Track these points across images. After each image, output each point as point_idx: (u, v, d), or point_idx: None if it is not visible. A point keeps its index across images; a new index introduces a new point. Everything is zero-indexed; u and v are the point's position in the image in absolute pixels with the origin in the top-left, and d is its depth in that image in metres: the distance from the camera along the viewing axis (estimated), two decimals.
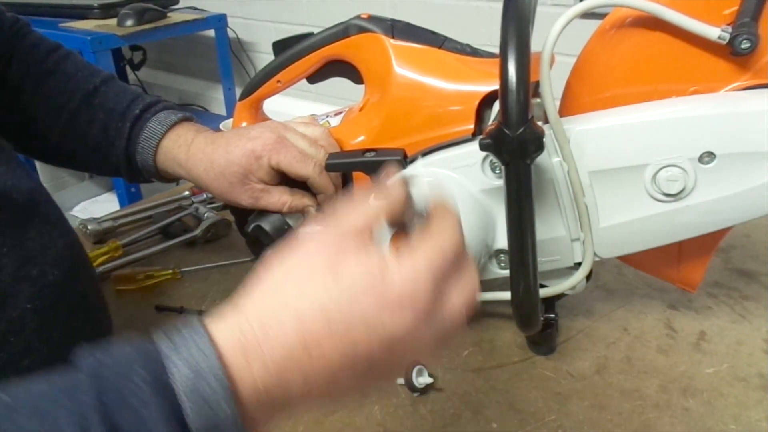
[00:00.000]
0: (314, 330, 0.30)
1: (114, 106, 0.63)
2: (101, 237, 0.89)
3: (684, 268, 0.63)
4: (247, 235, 0.66)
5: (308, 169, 0.58)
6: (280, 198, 0.60)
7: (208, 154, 0.60)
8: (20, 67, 0.63)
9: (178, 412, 0.27)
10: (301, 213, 0.60)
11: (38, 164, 2.23)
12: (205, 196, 0.97)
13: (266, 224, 0.61)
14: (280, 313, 0.30)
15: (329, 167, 0.58)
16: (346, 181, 0.63)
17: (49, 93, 0.63)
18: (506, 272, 0.59)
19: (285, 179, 0.60)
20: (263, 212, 0.62)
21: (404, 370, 0.33)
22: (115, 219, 0.92)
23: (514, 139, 0.46)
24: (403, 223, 0.37)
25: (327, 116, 0.69)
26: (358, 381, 0.32)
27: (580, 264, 0.58)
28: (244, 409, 0.29)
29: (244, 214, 0.67)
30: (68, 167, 0.69)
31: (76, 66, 0.65)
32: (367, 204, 0.35)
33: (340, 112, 0.68)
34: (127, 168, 0.64)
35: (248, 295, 0.32)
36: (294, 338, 0.30)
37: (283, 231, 0.61)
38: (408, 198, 0.37)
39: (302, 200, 0.60)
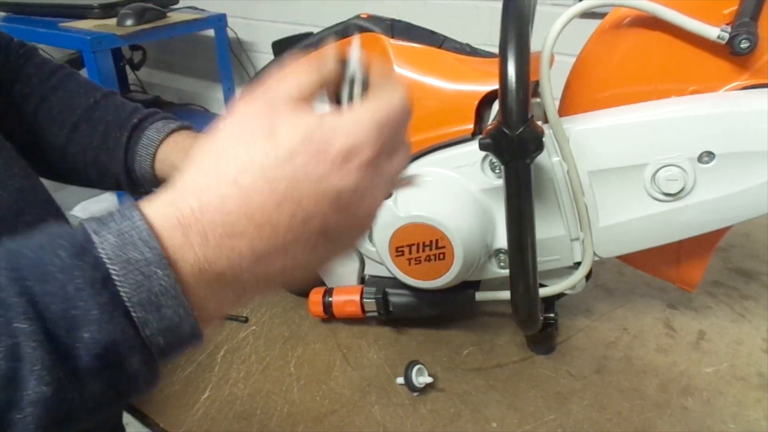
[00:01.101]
0: (255, 195, 0.28)
1: (113, 118, 0.63)
2: None
3: (683, 268, 0.63)
4: None
5: None
6: None
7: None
8: (25, 87, 0.63)
9: (105, 279, 0.26)
10: None
11: None
12: None
13: None
14: (218, 185, 0.28)
15: None
16: None
17: (51, 109, 0.63)
18: (506, 272, 0.59)
19: None
20: None
21: (359, 236, 0.33)
22: None
23: (513, 139, 0.46)
24: (341, 97, 0.35)
25: None
26: (314, 248, 0.31)
27: (579, 263, 0.59)
28: (186, 283, 0.27)
29: None
30: (70, 182, 0.69)
31: (78, 84, 0.65)
32: (300, 73, 0.32)
33: None
34: (127, 179, 0.64)
35: (184, 172, 0.30)
36: (235, 206, 0.28)
37: None
38: (344, 67, 0.35)
39: None
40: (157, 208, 0.28)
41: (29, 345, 0.25)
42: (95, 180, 0.66)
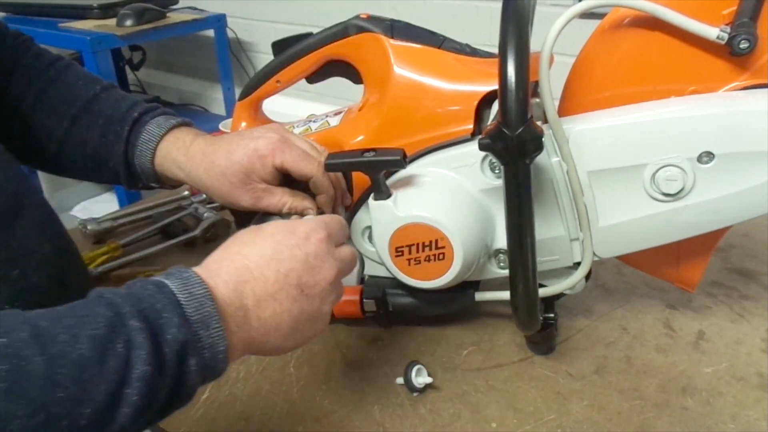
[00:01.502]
0: (253, 260, 0.44)
1: (113, 111, 0.63)
2: (101, 237, 0.89)
3: (683, 268, 0.63)
4: None
5: (312, 168, 0.58)
6: (281, 198, 0.60)
7: (208, 155, 0.60)
8: (22, 78, 0.63)
9: (176, 303, 0.39)
10: (300, 215, 0.60)
11: None
12: (204, 196, 0.97)
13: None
14: (230, 256, 0.45)
15: (328, 167, 0.58)
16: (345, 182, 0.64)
17: (50, 101, 0.63)
18: (505, 272, 0.59)
19: (285, 181, 0.60)
20: (264, 216, 0.62)
21: (326, 298, 0.47)
22: (114, 219, 0.92)
23: (513, 139, 0.46)
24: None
25: (326, 116, 0.69)
26: (294, 301, 0.45)
27: (579, 264, 0.59)
28: (221, 312, 0.41)
29: (243, 215, 0.67)
30: (68, 176, 0.69)
31: (77, 75, 0.65)
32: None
33: (340, 112, 0.68)
34: (126, 173, 0.64)
35: (212, 254, 0.46)
36: (240, 266, 0.44)
37: None
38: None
39: (303, 202, 0.60)
40: (195, 269, 0.43)
41: (139, 337, 0.36)
42: (93, 173, 0.66)
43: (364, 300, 0.65)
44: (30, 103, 0.63)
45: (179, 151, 0.61)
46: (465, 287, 0.63)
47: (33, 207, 0.55)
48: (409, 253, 0.58)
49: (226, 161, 0.59)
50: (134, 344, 0.36)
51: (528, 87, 0.46)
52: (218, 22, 1.88)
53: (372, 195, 0.58)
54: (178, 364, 0.38)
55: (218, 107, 2.13)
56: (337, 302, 0.50)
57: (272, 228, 0.47)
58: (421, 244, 0.57)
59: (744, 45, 0.50)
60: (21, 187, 0.55)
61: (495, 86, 0.48)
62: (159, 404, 0.37)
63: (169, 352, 0.37)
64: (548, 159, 0.54)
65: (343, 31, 0.63)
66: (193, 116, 2.04)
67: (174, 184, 0.66)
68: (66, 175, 0.69)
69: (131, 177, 0.64)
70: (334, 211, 0.61)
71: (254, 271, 0.44)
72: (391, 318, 0.66)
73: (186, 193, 0.99)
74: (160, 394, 0.37)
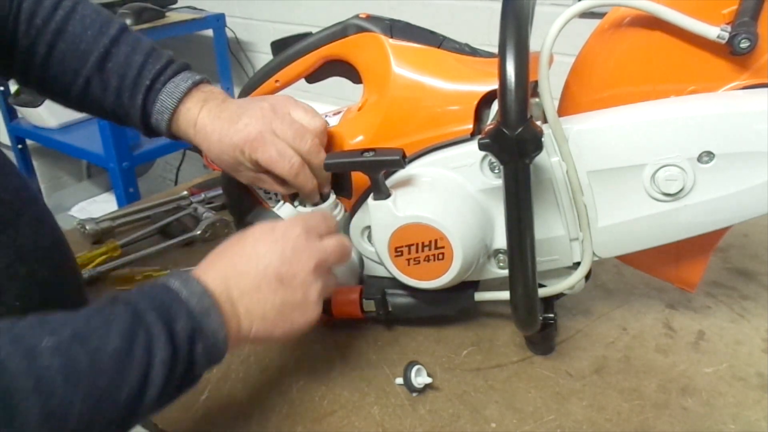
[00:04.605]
0: (236, 259, 0.50)
1: (126, 71, 0.62)
2: (99, 237, 0.88)
3: (683, 268, 0.63)
4: None
5: (283, 169, 0.59)
6: (272, 186, 0.62)
7: (208, 135, 0.61)
8: (29, 29, 0.62)
9: (180, 298, 0.45)
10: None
11: (36, 165, 2.23)
12: (203, 195, 0.97)
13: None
14: (218, 258, 0.51)
15: (328, 167, 0.58)
16: (338, 179, 0.63)
17: (61, 57, 0.63)
18: (505, 272, 0.59)
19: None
20: (260, 212, 0.62)
21: (308, 286, 0.51)
22: (113, 219, 0.92)
23: (512, 139, 0.46)
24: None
25: (326, 116, 0.69)
26: (275, 292, 0.49)
27: (578, 264, 0.59)
28: (214, 297, 0.46)
29: (242, 214, 0.67)
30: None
31: (83, 23, 0.63)
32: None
33: (339, 112, 0.68)
34: (146, 131, 0.66)
35: (205, 258, 0.51)
36: (225, 264, 0.50)
37: None
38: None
39: (291, 189, 0.62)
40: (193, 271, 0.49)
41: (157, 326, 0.42)
42: (118, 122, 0.68)
43: (364, 300, 0.65)
44: (41, 59, 0.63)
45: (188, 124, 0.62)
46: (464, 287, 0.63)
47: (30, 202, 0.56)
48: (409, 253, 0.58)
49: (218, 149, 0.60)
50: (154, 333, 0.42)
51: (527, 87, 0.46)
52: (217, 21, 1.88)
53: (371, 195, 0.58)
54: (188, 349, 0.43)
55: None
56: (327, 290, 0.54)
57: (253, 230, 0.52)
58: (421, 244, 0.57)
59: (745, 44, 0.50)
60: (19, 183, 0.55)
61: (494, 86, 0.48)
62: (173, 385, 0.43)
63: (180, 339, 0.43)
64: (548, 159, 0.54)
65: (342, 30, 0.63)
66: None
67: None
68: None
69: (151, 133, 0.66)
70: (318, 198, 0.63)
71: (237, 267, 0.49)
72: (391, 318, 0.66)
73: (185, 193, 0.99)
74: (176, 376, 0.43)
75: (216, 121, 0.61)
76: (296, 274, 0.50)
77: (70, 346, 0.39)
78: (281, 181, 0.61)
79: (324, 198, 0.63)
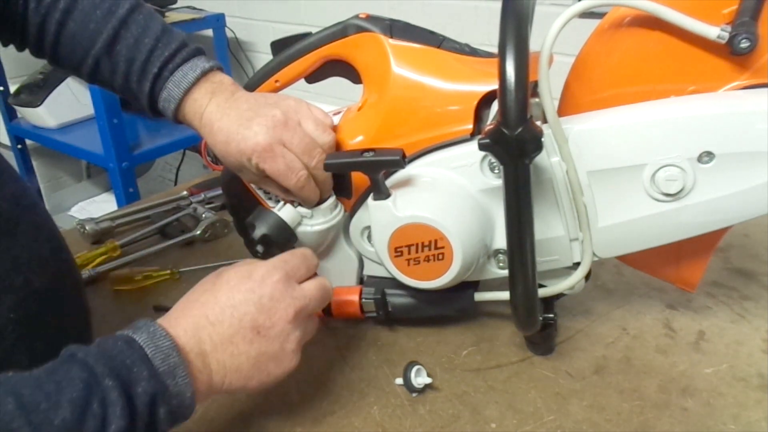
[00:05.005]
0: (209, 307, 0.48)
1: (135, 54, 0.62)
2: (99, 237, 0.88)
3: (683, 268, 0.63)
4: (246, 235, 0.66)
5: (290, 183, 0.58)
6: (274, 190, 0.62)
7: (215, 132, 0.60)
8: (39, 5, 0.61)
9: (145, 357, 0.42)
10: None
11: (36, 165, 2.23)
12: (203, 196, 0.97)
13: (263, 225, 0.61)
14: (190, 305, 0.49)
15: (327, 167, 0.58)
16: (339, 182, 0.63)
17: (71, 35, 0.62)
18: (505, 272, 0.59)
19: None
20: (261, 213, 0.62)
21: (285, 338, 0.49)
22: (113, 219, 0.92)
23: (512, 139, 0.46)
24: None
25: None
26: (251, 343, 0.48)
27: (578, 264, 0.58)
28: (182, 353, 0.44)
29: (242, 215, 0.67)
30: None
31: (93, 1, 0.62)
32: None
33: (339, 112, 0.68)
34: (154, 114, 0.65)
35: (176, 304, 0.50)
36: (198, 313, 0.47)
37: (280, 230, 0.61)
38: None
39: (293, 196, 0.62)
40: (159, 321, 0.46)
41: (114, 393, 0.39)
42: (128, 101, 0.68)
43: (364, 300, 0.65)
44: (51, 37, 0.63)
45: (194, 116, 0.62)
46: (464, 287, 0.63)
47: (28, 209, 0.55)
48: (409, 253, 0.58)
49: (225, 148, 0.59)
50: (109, 402, 0.39)
51: (527, 87, 0.46)
52: (217, 21, 1.88)
53: (371, 195, 0.58)
54: (149, 414, 0.41)
55: None
56: (307, 338, 0.52)
57: (229, 274, 0.50)
58: (421, 245, 0.57)
59: (745, 44, 0.50)
60: (17, 189, 0.54)
61: (494, 86, 0.48)
62: None
63: (140, 404, 0.41)
64: (548, 159, 0.54)
65: (342, 30, 0.63)
66: None
67: None
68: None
69: (158, 115, 0.65)
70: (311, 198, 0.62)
71: (210, 317, 0.47)
72: (391, 318, 0.66)
73: (184, 193, 0.99)
74: None
75: (224, 118, 0.59)
76: (274, 324, 0.48)
77: (12, 420, 0.36)
78: (285, 188, 0.60)
79: (323, 199, 0.63)
